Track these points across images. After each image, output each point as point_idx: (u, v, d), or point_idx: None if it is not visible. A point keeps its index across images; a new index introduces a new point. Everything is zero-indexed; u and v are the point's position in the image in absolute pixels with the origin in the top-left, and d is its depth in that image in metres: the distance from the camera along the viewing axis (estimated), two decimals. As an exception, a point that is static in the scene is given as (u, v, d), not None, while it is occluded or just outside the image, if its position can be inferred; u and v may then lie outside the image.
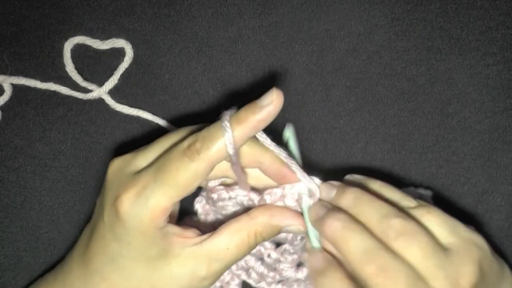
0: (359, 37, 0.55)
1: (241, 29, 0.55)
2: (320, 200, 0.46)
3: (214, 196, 0.48)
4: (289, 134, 0.47)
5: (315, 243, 0.45)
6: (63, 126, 0.55)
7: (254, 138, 0.45)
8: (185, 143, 0.43)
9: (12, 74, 0.56)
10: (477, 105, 0.55)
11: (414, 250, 0.41)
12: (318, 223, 0.44)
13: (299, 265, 0.51)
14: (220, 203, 0.48)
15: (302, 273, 0.51)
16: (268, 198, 0.46)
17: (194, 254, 0.44)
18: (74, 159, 0.55)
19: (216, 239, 0.45)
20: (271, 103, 0.42)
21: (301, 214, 0.46)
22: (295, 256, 0.50)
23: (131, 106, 0.55)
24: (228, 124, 0.42)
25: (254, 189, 0.48)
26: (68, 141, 0.55)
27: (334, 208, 0.45)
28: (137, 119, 0.56)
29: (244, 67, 0.56)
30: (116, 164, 0.47)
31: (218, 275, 0.45)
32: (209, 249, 0.44)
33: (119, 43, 0.55)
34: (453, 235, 0.43)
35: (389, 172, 0.55)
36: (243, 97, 0.55)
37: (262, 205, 0.46)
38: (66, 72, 0.55)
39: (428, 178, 0.54)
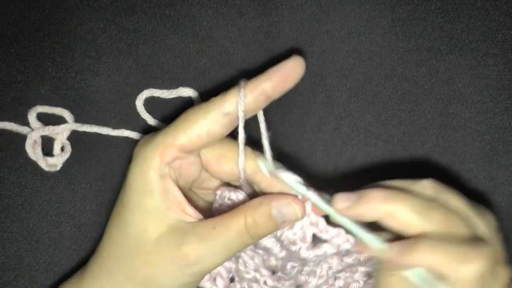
0: (359, 37, 0.55)
1: (242, 30, 0.55)
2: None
3: (218, 192, 0.48)
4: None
5: (376, 242, 0.44)
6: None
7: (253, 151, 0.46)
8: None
9: (12, 74, 0.55)
10: (478, 106, 0.55)
11: (455, 201, 0.44)
12: (355, 208, 0.44)
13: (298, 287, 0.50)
14: (225, 201, 0.48)
15: None
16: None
17: (185, 231, 0.44)
18: (74, 159, 0.55)
19: (208, 220, 0.44)
20: (290, 64, 0.43)
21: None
22: (291, 280, 0.50)
23: (131, 106, 0.55)
24: (242, 85, 0.43)
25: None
26: (68, 141, 0.55)
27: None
28: (137, 119, 0.56)
29: (244, 67, 0.56)
30: (142, 140, 0.47)
31: (205, 264, 0.44)
32: (198, 229, 0.44)
33: (186, 92, 0.55)
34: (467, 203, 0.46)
35: (390, 173, 0.55)
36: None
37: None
38: (66, 72, 0.55)
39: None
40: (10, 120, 0.55)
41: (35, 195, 0.55)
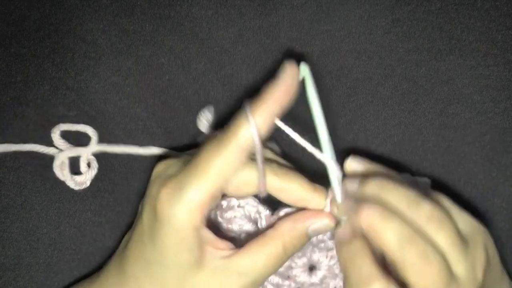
0: (359, 37, 0.55)
1: (242, 30, 0.55)
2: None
3: (224, 203, 0.48)
4: (304, 71, 0.46)
5: (339, 199, 0.46)
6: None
7: (278, 166, 0.46)
8: (218, 135, 0.44)
9: (12, 74, 0.56)
10: (478, 106, 0.55)
11: (443, 235, 0.43)
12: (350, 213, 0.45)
13: (311, 269, 0.51)
14: (229, 213, 0.48)
15: (316, 277, 0.51)
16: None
17: (224, 267, 0.45)
18: (74, 159, 0.55)
19: (245, 253, 0.45)
20: (287, 76, 0.43)
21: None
22: (305, 259, 0.50)
23: (131, 106, 0.55)
24: (249, 110, 0.43)
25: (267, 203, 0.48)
26: (68, 141, 0.55)
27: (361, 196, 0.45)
28: (137, 119, 0.56)
29: (244, 68, 0.56)
30: (160, 167, 0.47)
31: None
32: (238, 263, 0.45)
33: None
34: (463, 221, 0.45)
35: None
36: (244, 97, 0.56)
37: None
38: (65, 72, 0.55)
39: (429, 179, 0.54)
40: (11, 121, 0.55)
41: (35, 195, 0.55)
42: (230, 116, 0.55)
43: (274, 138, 0.50)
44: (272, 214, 0.48)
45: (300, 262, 0.50)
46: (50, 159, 0.55)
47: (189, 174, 0.44)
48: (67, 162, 0.54)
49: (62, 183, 0.55)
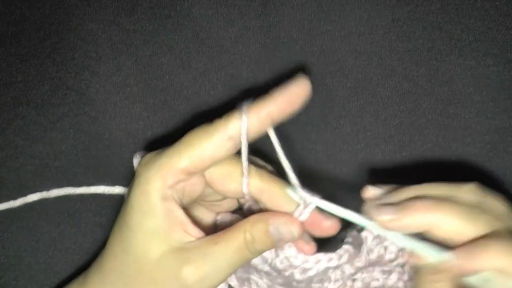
0: (359, 37, 0.55)
1: (242, 30, 0.55)
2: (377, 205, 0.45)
3: (218, 218, 0.49)
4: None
5: (437, 255, 0.43)
6: (63, 126, 0.55)
7: (264, 171, 0.46)
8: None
9: (12, 74, 0.56)
10: (478, 106, 0.55)
11: (493, 201, 0.45)
12: (395, 221, 0.43)
13: None
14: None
15: None
16: None
17: (186, 247, 0.44)
18: (74, 159, 0.55)
19: (208, 237, 0.44)
20: (296, 88, 0.42)
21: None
22: None
23: (132, 106, 0.55)
24: (246, 105, 0.43)
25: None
26: (68, 141, 0.55)
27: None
28: (138, 119, 0.56)
29: (244, 67, 0.56)
30: (146, 157, 0.47)
31: (208, 282, 0.44)
32: (199, 244, 0.44)
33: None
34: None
35: (390, 173, 0.55)
36: (244, 97, 0.55)
37: None
38: (66, 72, 0.55)
39: (429, 179, 0.54)
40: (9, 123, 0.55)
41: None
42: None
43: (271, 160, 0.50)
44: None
45: None
46: (50, 159, 0.55)
47: (169, 147, 0.44)
48: None
49: (63, 184, 0.55)
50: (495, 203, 0.44)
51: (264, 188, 0.45)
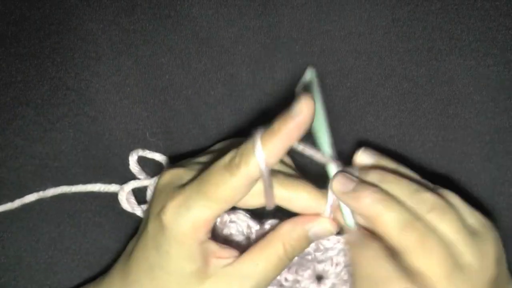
0: (359, 37, 0.55)
1: (242, 30, 0.55)
2: (342, 172, 0.46)
3: (217, 220, 0.49)
4: (311, 76, 0.47)
5: (350, 221, 0.46)
6: (62, 126, 0.55)
7: (285, 176, 0.47)
8: (227, 158, 0.43)
9: (12, 73, 0.56)
10: (478, 106, 0.55)
11: (446, 224, 0.43)
12: (349, 197, 0.45)
13: (319, 278, 0.51)
14: (225, 231, 0.49)
15: (326, 286, 0.51)
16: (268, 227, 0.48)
17: (227, 273, 0.45)
18: (74, 159, 0.55)
19: (246, 257, 0.45)
20: (301, 113, 0.42)
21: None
22: (310, 272, 0.50)
23: (131, 106, 0.55)
24: (258, 141, 0.42)
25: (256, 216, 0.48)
26: (68, 141, 0.55)
27: (362, 182, 0.46)
28: (138, 119, 0.56)
29: (244, 67, 0.56)
30: (166, 177, 0.47)
31: None
32: (239, 268, 0.45)
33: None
34: (471, 216, 0.45)
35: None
36: (244, 97, 0.56)
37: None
38: (65, 72, 0.55)
39: (429, 179, 0.54)
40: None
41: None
42: (231, 116, 0.56)
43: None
44: (260, 227, 0.49)
45: (306, 274, 0.50)
46: (50, 159, 0.55)
47: (197, 196, 0.44)
48: (131, 194, 0.54)
49: (63, 184, 0.55)
50: (447, 223, 0.44)
51: (290, 197, 0.46)
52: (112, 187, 0.54)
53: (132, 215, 0.55)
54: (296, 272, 0.50)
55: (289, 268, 0.51)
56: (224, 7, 0.56)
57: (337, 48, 0.56)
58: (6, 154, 0.55)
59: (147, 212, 0.48)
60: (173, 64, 0.56)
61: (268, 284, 0.46)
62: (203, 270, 0.45)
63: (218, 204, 0.44)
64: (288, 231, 0.46)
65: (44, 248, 0.55)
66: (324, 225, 0.46)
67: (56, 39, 0.56)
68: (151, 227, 0.46)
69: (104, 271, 0.53)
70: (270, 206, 0.46)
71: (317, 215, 0.46)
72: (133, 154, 0.53)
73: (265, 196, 0.45)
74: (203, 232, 0.44)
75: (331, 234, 0.47)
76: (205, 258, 0.45)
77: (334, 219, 0.47)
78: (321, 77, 0.55)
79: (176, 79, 0.56)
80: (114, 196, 0.55)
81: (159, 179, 0.48)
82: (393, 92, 0.56)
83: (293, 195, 0.46)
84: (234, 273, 0.45)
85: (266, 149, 0.42)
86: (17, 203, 0.54)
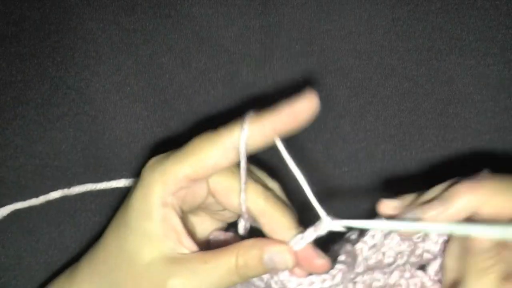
0: (359, 37, 0.55)
1: (242, 29, 0.55)
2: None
3: (211, 237, 0.49)
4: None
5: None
6: (63, 125, 0.55)
7: (264, 188, 0.46)
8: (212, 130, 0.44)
9: (12, 73, 0.56)
10: (478, 105, 0.55)
11: None
12: (445, 210, 0.43)
13: None
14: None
15: None
16: None
17: (174, 257, 0.44)
18: (74, 158, 0.55)
19: (200, 255, 0.44)
20: (302, 105, 0.42)
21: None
22: None
23: (132, 105, 0.55)
24: (247, 119, 0.43)
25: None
26: (68, 141, 0.55)
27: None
28: (138, 118, 0.56)
29: (244, 67, 0.56)
30: (152, 160, 0.47)
31: None
32: (189, 259, 0.44)
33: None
34: None
35: (390, 172, 0.55)
36: (243, 97, 0.56)
37: None
38: (66, 72, 0.55)
39: (429, 179, 0.54)
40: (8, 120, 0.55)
41: (35, 195, 0.55)
42: (231, 116, 0.56)
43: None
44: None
45: None
46: (50, 159, 0.55)
47: (173, 154, 0.45)
48: None
49: (63, 183, 0.55)
50: None
51: (266, 211, 0.45)
52: (121, 182, 0.55)
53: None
54: None
55: None
56: (224, 7, 0.56)
57: (337, 48, 0.56)
58: (6, 154, 0.55)
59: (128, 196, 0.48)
60: (173, 64, 0.56)
61: None
62: (159, 240, 0.44)
63: (190, 162, 0.43)
64: (246, 246, 0.44)
65: (44, 248, 0.55)
66: (283, 254, 0.44)
67: (56, 39, 0.56)
68: (130, 193, 0.46)
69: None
70: (242, 206, 0.45)
71: (280, 242, 0.44)
72: None
73: (240, 187, 0.45)
74: (170, 190, 0.44)
75: (287, 267, 0.44)
76: (165, 227, 0.44)
77: (300, 258, 0.44)
78: (321, 77, 0.56)
79: (176, 78, 0.56)
80: (114, 196, 0.55)
81: (146, 163, 0.47)
82: (393, 92, 0.56)
83: (269, 210, 0.45)
84: (184, 263, 0.44)
85: (254, 125, 0.42)
86: (41, 199, 0.54)
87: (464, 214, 0.43)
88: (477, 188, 0.42)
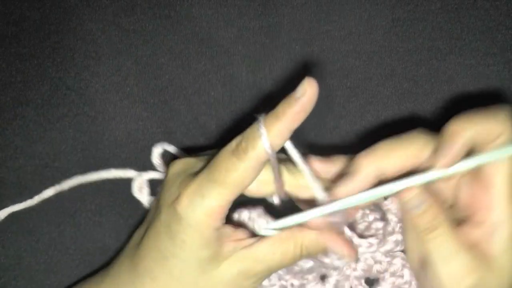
0: (359, 37, 0.55)
1: (241, 30, 0.55)
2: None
3: (235, 215, 0.49)
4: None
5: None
6: (62, 126, 0.55)
7: (293, 165, 0.46)
8: (233, 143, 0.44)
9: (12, 74, 0.56)
10: (478, 105, 0.55)
11: None
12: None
13: (322, 278, 0.51)
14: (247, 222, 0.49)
15: (330, 284, 0.51)
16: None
17: (243, 256, 0.46)
18: (74, 159, 0.55)
19: (265, 243, 0.46)
20: (305, 94, 0.42)
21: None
22: (314, 274, 0.51)
23: (131, 106, 0.55)
24: (262, 125, 0.43)
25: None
26: (68, 141, 0.55)
27: None
28: (137, 119, 0.56)
29: (244, 67, 0.56)
30: (177, 166, 0.47)
31: (260, 277, 0.47)
32: (256, 252, 0.46)
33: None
34: None
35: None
36: (243, 97, 0.56)
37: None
38: (65, 72, 0.55)
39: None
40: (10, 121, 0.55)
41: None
42: (231, 116, 0.56)
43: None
44: None
45: (310, 276, 0.51)
46: (50, 159, 0.55)
47: (208, 183, 0.44)
48: (145, 184, 0.54)
49: (61, 183, 0.55)
50: None
51: (298, 184, 0.47)
52: (128, 173, 0.54)
53: (132, 215, 0.55)
54: (302, 276, 0.51)
55: (295, 274, 0.51)
56: (223, 7, 0.55)
57: (337, 48, 0.56)
58: (6, 154, 0.55)
59: (156, 202, 0.48)
60: (172, 64, 0.56)
61: (273, 273, 0.47)
62: (219, 253, 0.45)
63: (230, 190, 0.44)
64: (311, 238, 0.46)
65: (44, 248, 0.55)
66: (344, 251, 0.46)
67: (56, 39, 0.56)
68: (164, 216, 0.46)
69: (104, 271, 0.53)
70: (281, 194, 0.47)
71: (343, 239, 0.47)
72: (158, 146, 0.53)
73: (274, 181, 0.46)
74: (218, 218, 0.44)
75: (342, 257, 0.47)
76: (221, 242, 0.45)
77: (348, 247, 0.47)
78: (321, 77, 0.56)
79: (176, 79, 0.56)
80: (114, 196, 0.55)
81: (169, 168, 0.48)
82: (393, 92, 0.56)
83: (302, 182, 0.47)
84: (250, 255, 0.45)
85: (271, 132, 0.43)
86: (36, 199, 0.54)
87: (467, 147, 0.45)
88: (375, 154, 0.46)
